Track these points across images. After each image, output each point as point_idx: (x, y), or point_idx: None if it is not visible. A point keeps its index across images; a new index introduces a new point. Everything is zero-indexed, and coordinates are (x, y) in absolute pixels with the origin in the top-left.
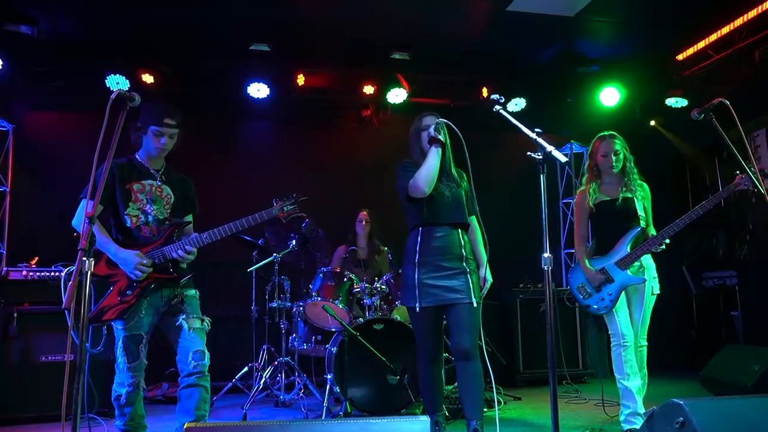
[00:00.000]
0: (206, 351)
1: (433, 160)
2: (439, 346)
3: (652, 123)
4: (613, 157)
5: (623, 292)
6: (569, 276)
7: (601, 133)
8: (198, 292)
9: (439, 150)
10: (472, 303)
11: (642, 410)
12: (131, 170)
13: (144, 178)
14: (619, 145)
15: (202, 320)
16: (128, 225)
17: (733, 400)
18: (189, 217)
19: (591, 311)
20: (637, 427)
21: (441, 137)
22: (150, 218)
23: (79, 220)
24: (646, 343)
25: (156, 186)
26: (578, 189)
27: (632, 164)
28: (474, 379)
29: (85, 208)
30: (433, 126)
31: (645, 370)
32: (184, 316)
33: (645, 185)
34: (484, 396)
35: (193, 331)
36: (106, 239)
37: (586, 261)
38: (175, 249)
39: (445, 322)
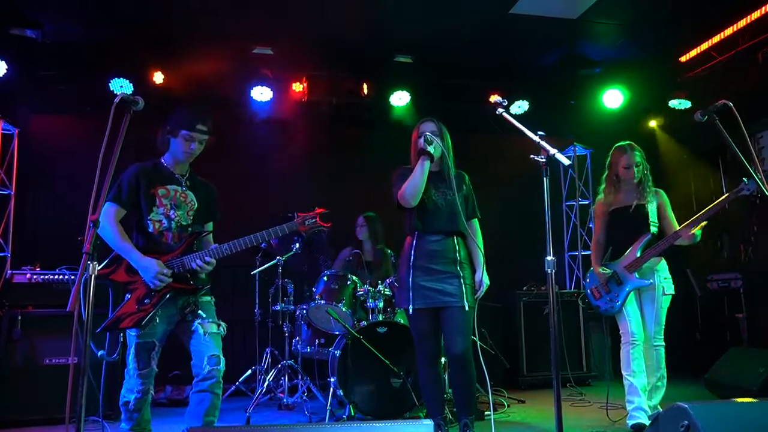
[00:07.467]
0: (222, 356)
1: (418, 173)
2: (437, 347)
3: (655, 125)
4: (635, 169)
5: (634, 293)
6: (586, 277)
7: (620, 144)
8: (213, 299)
9: (427, 162)
10: (464, 307)
11: (646, 406)
12: (157, 174)
13: (169, 182)
14: (639, 156)
15: (218, 325)
16: (150, 230)
17: (738, 403)
18: (209, 226)
19: (601, 311)
20: (641, 421)
21: (430, 149)
22: (173, 224)
23: (101, 226)
24: (663, 343)
25: (180, 191)
26: (598, 197)
27: (648, 173)
28: (466, 381)
29: (96, 213)
30: (422, 137)
31: (663, 371)
32: (199, 321)
33: (661, 192)
34: (475, 394)
35: (209, 336)
36: (128, 246)
37: (600, 266)
38: (194, 259)
39: None
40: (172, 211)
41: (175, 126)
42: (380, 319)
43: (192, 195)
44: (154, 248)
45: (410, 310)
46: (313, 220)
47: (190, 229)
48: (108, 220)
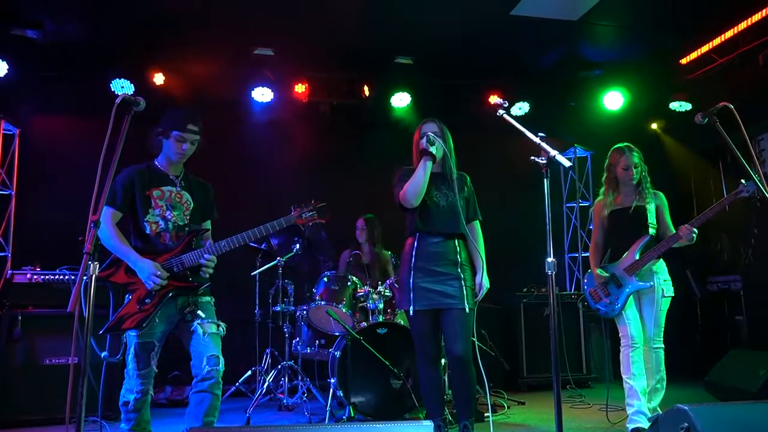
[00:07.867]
0: (221, 357)
1: (420, 174)
2: (437, 348)
3: (656, 127)
4: (634, 170)
5: (634, 296)
6: (585, 280)
7: (618, 145)
8: (213, 299)
9: (429, 163)
10: (464, 309)
11: (646, 409)
12: (151, 176)
13: (163, 184)
14: (637, 157)
15: (218, 325)
16: (147, 232)
17: (737, 405)
18: (207, 224)
19: (601, 314)
20: (641, 425)
21: (432, 149)
22: (170, 225)
23: (101, 229)
24: (663, 345)
25: (175, 192)
26: (597, 199)
27: (646, 174)
28: (466, 383)
29: (96, 214)
30: (425, 137)
31: (663, 373)
32: (199, 321)
33: (660, 194)
34: (475, 396)
35: (208, 336)
36: (126, 248)
37: (598, 269)
38: (194, 257)
39: None
40: (168, 212)
41: (167, 127)
42: (380, 320)
43: (187, 195)
44: (152, 249)
45: (411, 312)
46: (311, 213)
47: (187, 228)
48: (104, 223)
